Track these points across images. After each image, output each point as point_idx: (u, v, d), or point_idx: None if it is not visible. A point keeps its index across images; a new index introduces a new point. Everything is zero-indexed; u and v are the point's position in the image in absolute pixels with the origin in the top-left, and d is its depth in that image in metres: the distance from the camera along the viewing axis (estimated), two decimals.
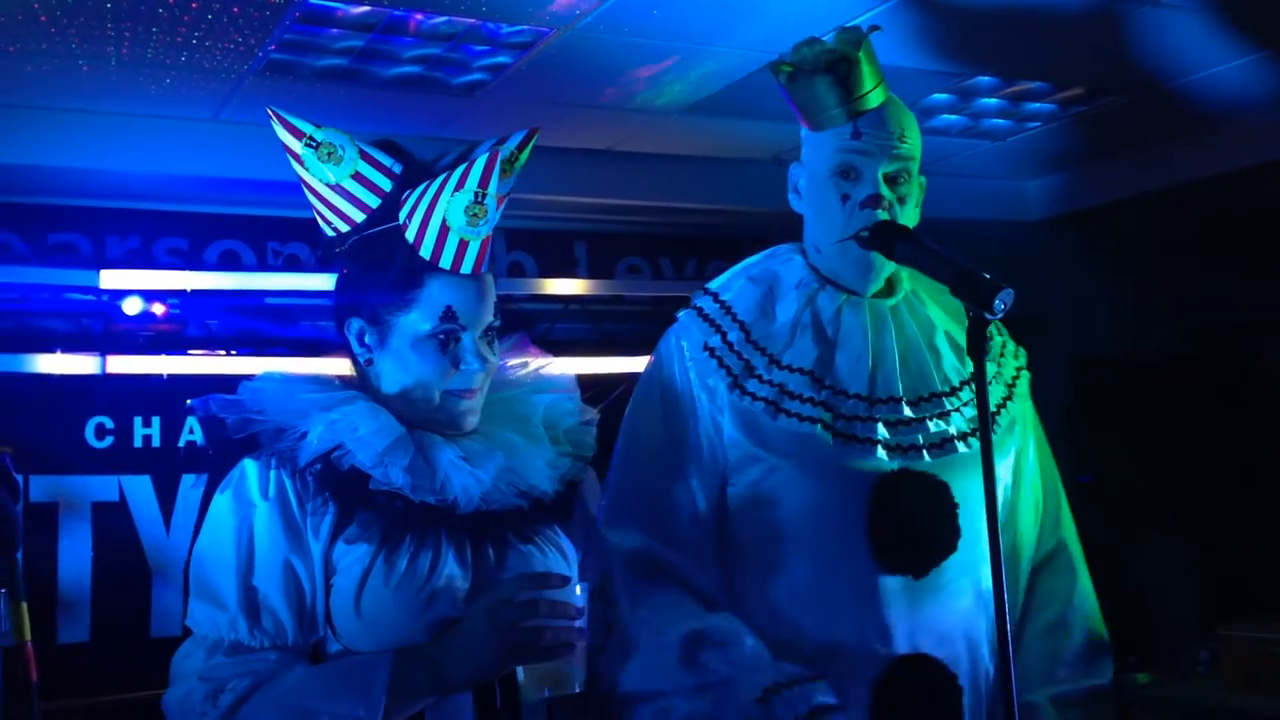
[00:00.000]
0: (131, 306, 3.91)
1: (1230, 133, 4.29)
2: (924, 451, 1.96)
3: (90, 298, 3.93)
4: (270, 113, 1.81)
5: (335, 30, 3.06)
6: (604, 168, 4.37)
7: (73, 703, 3.75)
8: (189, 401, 1.79)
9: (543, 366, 1.98)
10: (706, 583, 1.97)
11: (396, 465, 1.69)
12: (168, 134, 3.77)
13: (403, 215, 1.75)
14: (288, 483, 1.68)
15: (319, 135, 1.78)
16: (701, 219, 4.84)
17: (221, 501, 1.70)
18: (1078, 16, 3.14)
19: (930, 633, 1.94)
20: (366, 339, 1.79)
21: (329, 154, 1.78)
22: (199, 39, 3.07)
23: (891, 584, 1.92)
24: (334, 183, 1.78)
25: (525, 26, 3.07)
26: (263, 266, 4.29)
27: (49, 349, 3.90)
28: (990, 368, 2.06)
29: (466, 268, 1.73)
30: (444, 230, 1.71)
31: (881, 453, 1.94)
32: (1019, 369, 2.15)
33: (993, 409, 2.04)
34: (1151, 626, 4.30)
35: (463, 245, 1.72)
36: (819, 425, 1.94)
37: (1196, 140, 4.39)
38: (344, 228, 1.80)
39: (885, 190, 1.96)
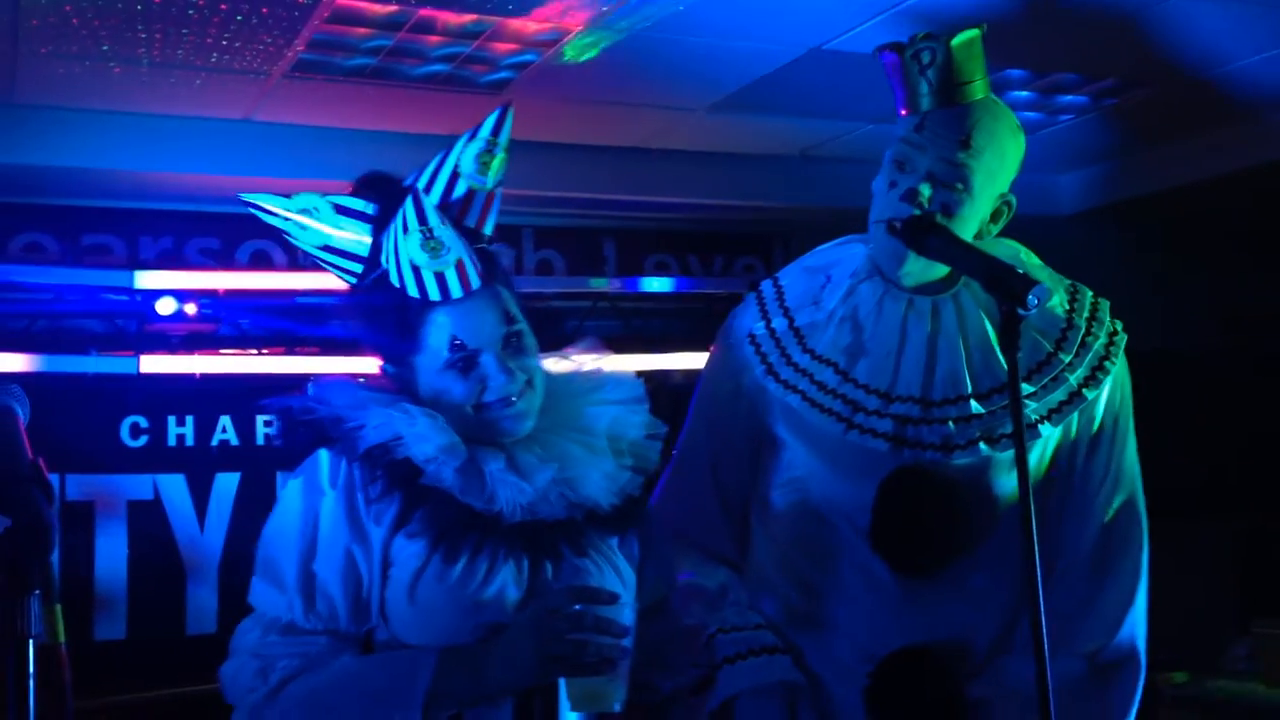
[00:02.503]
0: (165, 306, 3.95)
1: (1267, 124, 4.23)
2: (947, 452, 1.94)
3: (124, 298, 3.96)
4: (245, 201, 1.85)
5: (364, 29, 3.07)
6: (631, 165, 4.37)
7: (109, 699, 3.78)
8: (262, 402, 1.83)
9: (606, 369, 1.96)
10: (717, 545, 2.08)
11: (448, 466, 1.71)
12: (199, 135, 3.80)
13: (384, 261, 1.77)
14: (356, 473, 1.71)
15: (293, 205, 1.82)
16: (729, 215, 4.83)
17: (293, 486, 1.75)
18: (1109, 7, 3.12)
19: (936, 629, 1.93)
20: (399, 377, 1.83)
21: (308, 217, 1.81)
22: (229, 40, 3.09)
23: (898, 580, 1.92)
24: (324, 243, 1.82)
25: (551, 23, 3.07)
26: (294, 266, 4.31)
27: (84, 349, 3.94)
28: (1052, 367, 2.01)
29: (455, 293, 1.73)
30: (414, 269, 1.72)
31: (895, 449, 1.94)
32: (1108, 348, 2.05)
33: (1048, 408, 1.98)
34: (1187, 624, 4.26)
35: (439, 276, 1.72)
36: (836, 418, 1.95)
37: (1231, 132, 4.34)
38: (353, 281, 1.84)
39: (925, 187, 1.93)
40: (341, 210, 1.80)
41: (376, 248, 1.78)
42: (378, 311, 1.79)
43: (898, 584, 1.94)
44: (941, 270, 2.01)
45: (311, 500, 1.72)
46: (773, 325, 2.06)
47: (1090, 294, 2.10)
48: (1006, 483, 1.98)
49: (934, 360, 1.99)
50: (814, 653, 1.98)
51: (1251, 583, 4.75)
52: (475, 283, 1.74)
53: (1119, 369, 2.06)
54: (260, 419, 4.16)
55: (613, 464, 1.84)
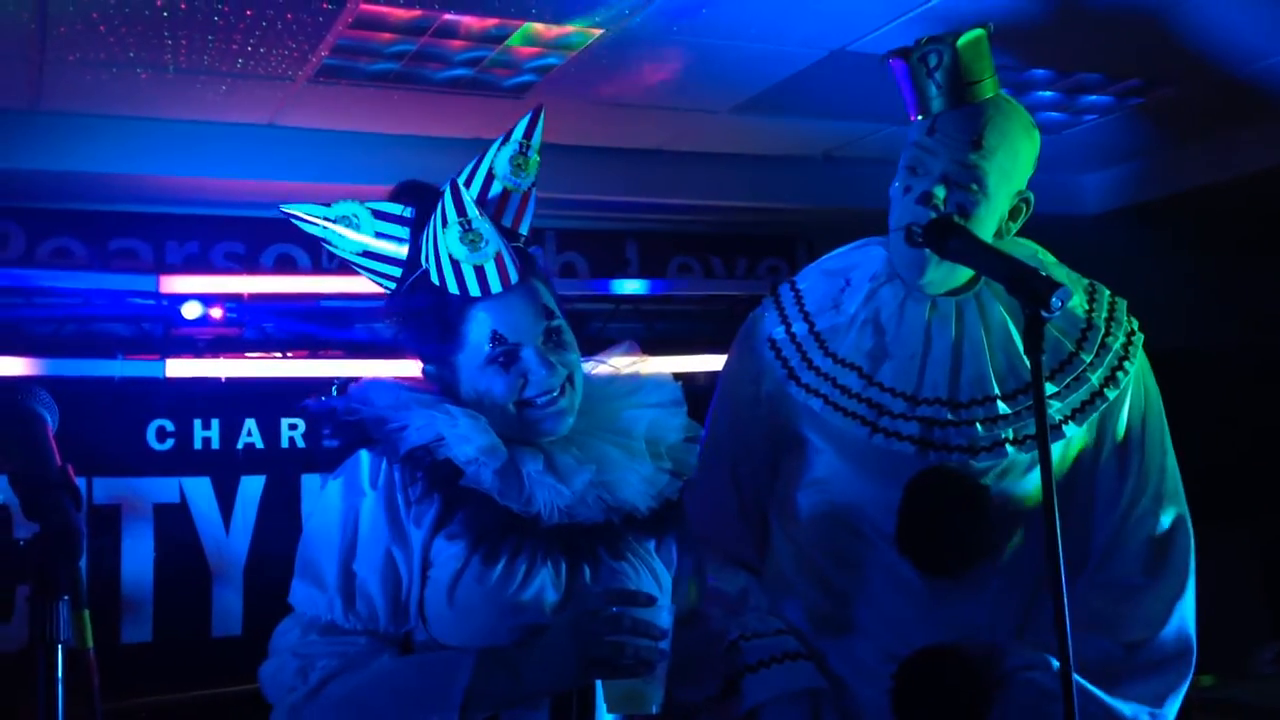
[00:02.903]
0: (191, 311, 3.97)
1: None
2: (972, 454, 1.94)
3: (150, 302, 3.99)
4: (285, 212, 1.87)
5: (387, 35, 3.09)
6: (654, 167, 4.37)
7: (135, 702, 3.80)
8: (303, 404, 1.84)
9: (644, 371, 1.98)
10: (740, 549, 2.08)
11: (488, 468, 1.72)
12: (224, 140, 3.83)
13: (423, 260, 1.78)
14: (396, 475, 1.72)
15: (332, 213, 1.84)
16: (752, 217, 4.83)
17: (334, 487, 1.75)
18: (1133, 7, 3.10)
19: (960, 630, 1.93)
20: (442, 377, 1.83)
21: (347, 225, 1.83)
22: (254, 46, 3.11)
23: (923, 581, 1.92)
24: (363, 250, 1.84)
25: (574, 27, 3.07)
26: (318, 270, 4.33)
27: (110, 353, 3.96)
28: (1075, 366, 2.01)
29: (495, 287, 1.74)
30: (454, 264, 1.74)
31: (921, 451, 1.94)
32: (1127, 348, 2.05)
33: (1072, 409, 1.98)
34: (1214, 627, 4.23)
35: (479, 270, 1.74)
36: (861, 421, 1.95)
37: (1256, 131, 4.31)
38: (392, 286, 1.85)
39: (940, 190, 1.93)
40: (380, 215, 1.83)
41: (415, 249, 1.80)
42: (418, 313, 1.80)
43: (922, 585, 1.94)
44: (963, 275, 2.01)
45: (352, 500, 1.73)
46: (793, 330, 2.06)
47: (1108, 293, 2.09)
48: (1031, 483, 1.97)
49: (959, 362, 1.99)
50: (837, 655, 1.98)
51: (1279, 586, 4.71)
52: (514, 277, 1.75)
53: (1139, 368, 2.06)
54: (285, 422, 4.17)
55: (651, 467, 1.85)
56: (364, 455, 1.74)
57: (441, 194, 1.75)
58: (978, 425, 1.95)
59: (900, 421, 1.95)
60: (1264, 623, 4.35)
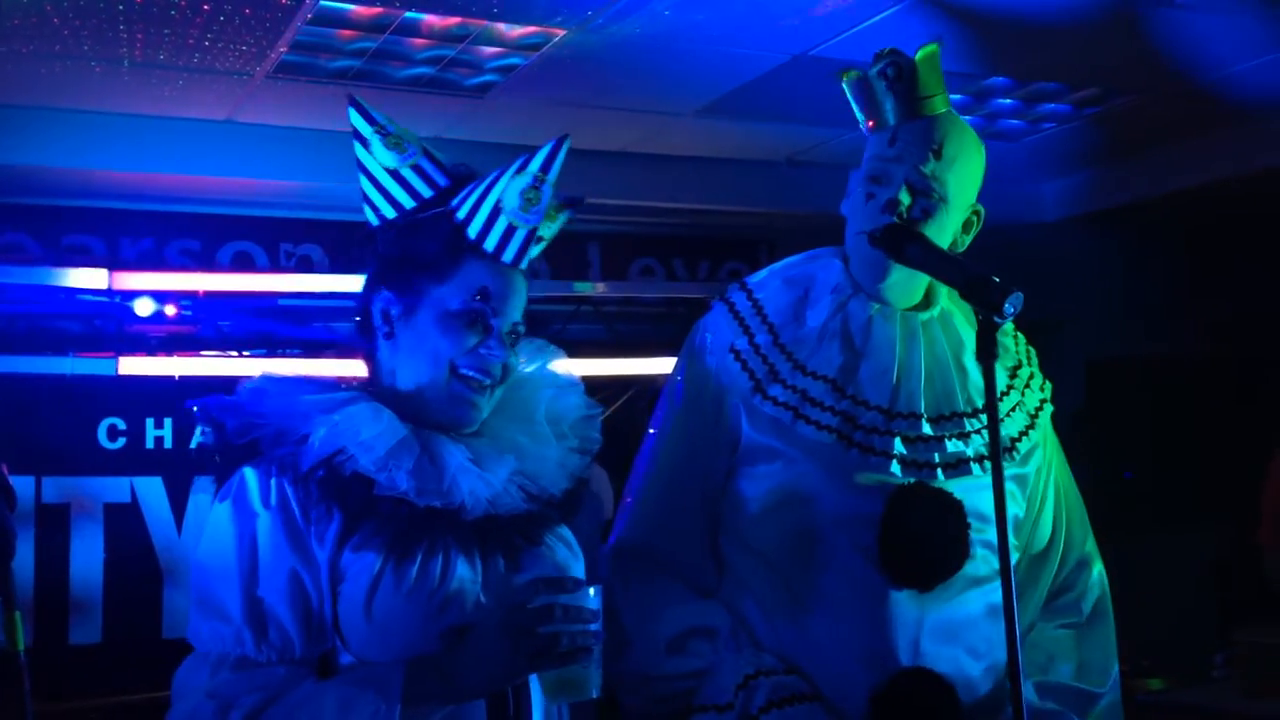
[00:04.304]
0: (144, 308, 3.92)
1: (1247, 133, 4.25)
2: (939, 470, 1.95)
3: (103, 299, 3.93)
4: (350, 99, 1.84)
5: (348, 31, 3.06)
6: (617, 169, 4.36)
7: (85, 703, 3.75)
8: (190, 403, 1.76)
9: (546, 362, 1.95)
10: (700, 575, 2.03)
11: (401, 469, 1.66)
12: (180, 135, 3.78)
13: (455, 201, 1.76)
14: (289, 490, 1.64)
15: (390, 127, 1.82)
16: (715, 220, 4.83)
17: (221, 511, 1.66)
18: (1091, 18, 3.12)
19: (936, 645, 1.94)
20: (392, 311, 1.76)
21: (395, 143, 1.80)
22: (211, 41, 3.07)
23: (900, 596, 1.92)
24: (393, 168, 1.80)
25: (537, 27, 3.06)
26: (275, 268, 4.29)
27: (61, 350, 3.91)
28: (1013, 396, 2.06)
29: (509, 255, 1.72)
30: (495, 211, 1.71)
31: (896, 466, 1.94)
32: (1043, 401, 2.13)
33: (1015, 434, 2.04)
34: (1166, 631, 4.28)
35: (510, 230, 1.71)
36: (835, 434, 1.95)
37: (1215, 140, 4.36)
38: (392, 214, 1.80)
39: (904, 196, 1.95)
40: (430, 156, 1.81)
41: (445, 195, 1.77)
42: (423, 240, 1.75)
43: (886, 593, 1.94)
44: (921, 289, 2.03)
45: (245, 524, 1.64)
46: (757, 340, 2.04)
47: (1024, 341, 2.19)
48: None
49: (930, 378, 2.01)
50: (805, 663, 1.97)
51: (1234, 590, 4.77)
52: (524, 262, 1.75)
53: (1045, 392, 2.16)
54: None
55: (559, 449, 1.83)
56: (249, 474, 1.66)
57: (536, 148, 1.73)
58: (947, 440, 1.97)
59: (875, 436, 1.96)
60: (1215, 628, 4.40)
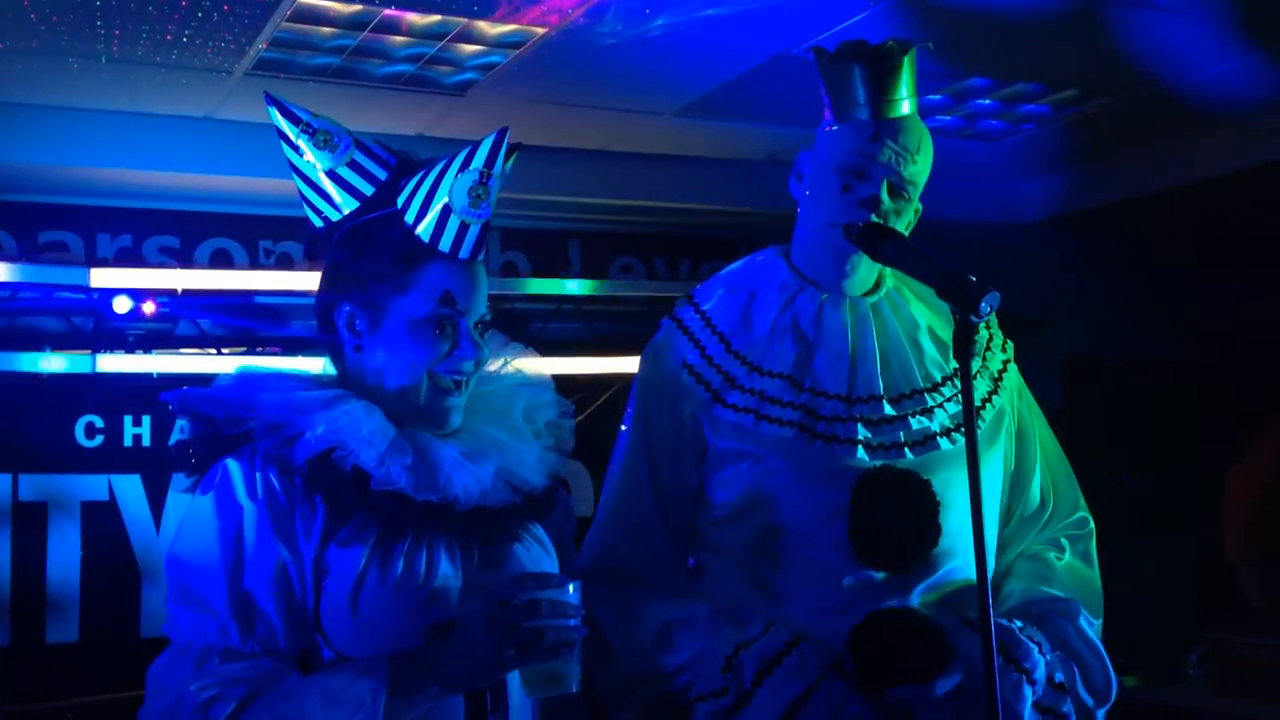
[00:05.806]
0: (122, 305, 3.89)
1: (1226, 134, 4.28)
2: (905, 449, 1.97)
3: (81, 296, 3.91)
4: (268, 97, 1.80)
5: (327, 28, 3.05)
6: (598, 167, 4.37)
7: (62, 703, 3.73)
8: (164, 398, 1.74)
9: (519, 362, 1.96)
10: (671, 583, 2.05)
11: (399, 464, 1.67)
12: (159, 132, 3.76)
13: (400, 200, 1.74)
14: (276, 483, 1.63)
15: (315, 122, 1.78)
16: (695, 219, 4.84)
17: (204, 504, 1.65)
18: (1071, 19, 3.14)
19: (927, 611, 1.95)
20: (357, 324, 1.75)
21: (325, 141, 1.77)
22: (190, 37, 3.06)
23: (875, 579, 1.93)
24: (329, 169, 1.77)
25: (516, 25, 3.06)
26: (254, 265, 4.27)
27: (39, 347, 3.88)
28: (975, 363, 2.07)
29: (465, 252, 1.72)
30: (445, 212, 1.70)
31: (862, 452, 1.95)
32: (1005, 362, 2.15)
33: (979, 401, 2.06)
34: (1142, 629, 4.30)
35: (463, 228, 1.71)
36: (798, 428, 1.96)
37: (1195, 142, 4.39)
38: (335, 216, 1.79)
39: (886, 197, 1.97)
40: (363, 148, 1.77)
41: (388, 190, 1.75)
42: (375, 246, 1.73)
43: (855, 580, 1.95)
44: (874, 272, 2.06)
45: (230, 516, 1.63)
46: (709, 352, 2.05)
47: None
48: (960, 474, 2.01)
49: (885, 359, 2.03)
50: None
51: (1209, 590, 4.80)
52: (480, 254, 1.75)
53: (1008, 353, 2.18)
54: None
55: (538, 446, 1.84)
56: (232, 466, 1.65)
57: (477, 143, 1.71)
58: (910, 419, 1.99)
59: (838, 424, 1.97)
60: (1192, 627, 4.43)
